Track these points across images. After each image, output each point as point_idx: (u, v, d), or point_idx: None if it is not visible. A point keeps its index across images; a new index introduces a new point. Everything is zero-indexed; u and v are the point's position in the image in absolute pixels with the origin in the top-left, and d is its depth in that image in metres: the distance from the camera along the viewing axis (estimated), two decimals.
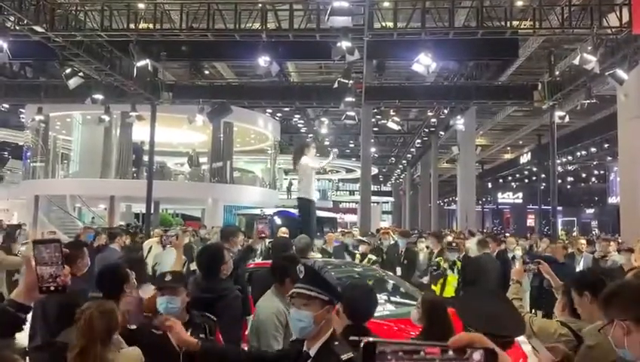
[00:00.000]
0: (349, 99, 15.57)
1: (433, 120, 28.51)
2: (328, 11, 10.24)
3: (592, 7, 12.47)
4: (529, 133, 32.58)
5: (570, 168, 39.90)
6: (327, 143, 36.83)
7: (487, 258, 8.41)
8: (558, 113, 16.17)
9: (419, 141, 33.90)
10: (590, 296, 2.79)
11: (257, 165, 33.18)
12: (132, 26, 13.36)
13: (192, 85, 19.25)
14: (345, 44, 11.35)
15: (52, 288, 1.84)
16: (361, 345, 0.79)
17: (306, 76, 26.00)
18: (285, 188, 35.54)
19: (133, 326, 3.10)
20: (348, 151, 42.89)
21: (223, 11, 13.52)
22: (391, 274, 7.91)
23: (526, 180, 46.39)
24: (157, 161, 21.88)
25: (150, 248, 9.09)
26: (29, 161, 25.57)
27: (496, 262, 8.44)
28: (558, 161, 25.17)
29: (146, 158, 20.95)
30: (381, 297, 5.50)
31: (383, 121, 26.36)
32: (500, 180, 48.65)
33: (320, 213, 12.26)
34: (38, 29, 12.10)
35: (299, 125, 34.22)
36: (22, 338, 2.79)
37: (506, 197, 51.16)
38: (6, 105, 24.72)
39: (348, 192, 54.08)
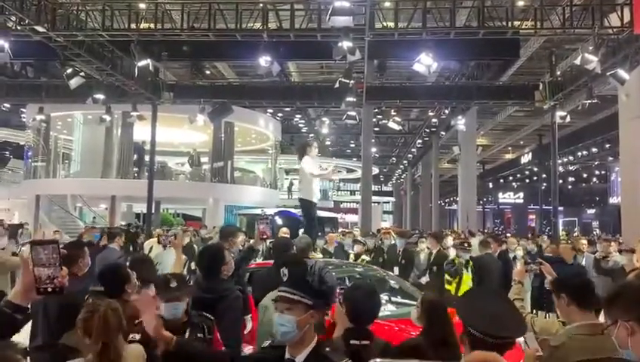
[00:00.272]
0: (350, 99, 15.57)
1: (434, 120, 28.51)
2: (329, 11, 10.23)
3: (594, 7, 12.46)
4: (530, 133, 32.57)
5: (571, 168, 39.88)
6: (328, 143, 36.88)
7: (490, 258, 8.40)
8: (560, 113, 16.15)
9: (420, 141, 33.90)
10: (567, 298, 2.77)
11: (258, 165, 33.19)
12: (133, 25, 13.37)
13: (193, 85, 19.25)
14: (346, 44, 11.34)
15: (49, 289, 1.83)
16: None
17: (307, 76, 26.00)
18: (286, 188, 35.54)
19: None
20: (349, 151, 42.90)
21: (224, 11, 13.52)
22: (392, 274, 7.92)
23: (527, 180, 46.36)
24: (158, 161, 21.89)
25: (151, 248, 9.08)
26: (30, 160, 25.61)
27: (499, 262, 8.43)
28: (559, 161, 25.15)
29: (147, 158, 20.96)
30: (382, 297, 5.51)
31: (383, 121, 26.34)
32: (501, 180, 48.63)
33: (321, 213, 12.24)
34: (40, 28, 12.11)
35: (300, 125, 34.23)
36: (23, 338, 2.80)
37: (507, 198, 51.13)
38: (7, 105, 24.74)
39: (349, 192, 54.08)
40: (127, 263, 4.34)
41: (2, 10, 11.37)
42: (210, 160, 25.50)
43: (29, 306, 1.90)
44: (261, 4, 13.39)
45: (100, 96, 15.68)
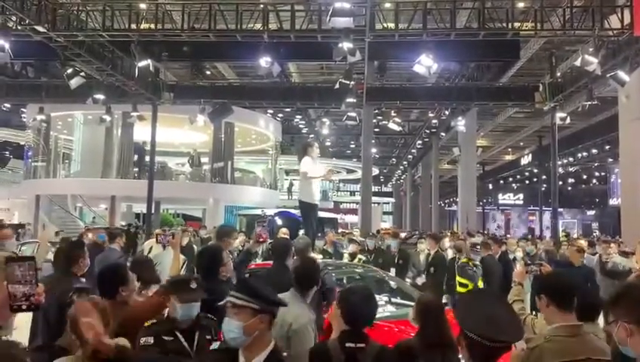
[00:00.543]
0: (350, 99, 15.57)
1: (434, 121, 28.52)
2: (330, 12, 10.24)
3: (594, 9, 12.47)
4: (530, 134, 32.58)
5: (571, 170, 39.87)
6: (328, 144, 36.88)
7: (491, 260, 8.41)
8: (559, 114, 16.16)
9: (420, 142, 33.91)
10: (547, 299, 2.75)
11: (258, 165, 33.19)
12: (134, 26, 13.38)
13: (194, 85, 19.25)
14: (346, 45, 11.34)
15: (24, 307, 1.77)
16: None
17: (307, 77, 26.02)
18: (286, 188, 35.54)
19: None
20: (349, 151, 42.92)
21: (224, 12, 13.52)
22: (392, 275, 7.93)
23: (527, 182, 46.34)
24: (158, 161, 21.89)
25: (150, 248, 9.06)
26: (31, 160, 25.61)
27: (499, 264, 8.43)
28: (559, 163, 25.13)
29: (147, 158, 20.97)
30: (381, 298, 5.51)
31: (384, 122, 26.39)
32: (501, 181, 48.61)
33: (321, 214, 12.23)
34: (40, 28, 12.11)
35: (300, 126, 34.24)
36: (23, 337, 2.80)
37: (506, 199, 51.10)
38: (7, 105, 24.77)
39: (349, 193, 54.07)
40: (128, 264, 4.34)
41: (3, 10, 11.38)
42: (210, 160, 25.51)
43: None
44: (262, 5, 13.39)
45: (101, 97, 15.68)
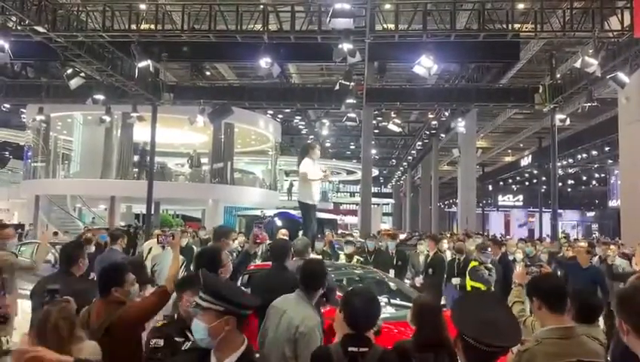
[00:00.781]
0: (350, 100, 15.57)
1: (434, 122, 28.52)
2: (330, 13, 10.24)
3: (594, 11, 12.49)
4: (530, 135, 32.58)
5: (570, 171, 39.87)
6: (328, 145, 36.88)
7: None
8: (559, 116, 16.17)
9: (419, 143, 33.91)
10: (538, 302, 2.75)
11: (258, 166, 33.17)
12: (133, 26, 13.38)
13: (193, 86, 19.26)
14: (346, 46, 11.35)
15: None
16: None
17: (307, 78, 26.01)
18: (286, 189, 35.53)
19: None
20: (349, 152, 42.91)
21: (224, 12, 13.53)
22: (391, 276, 7.92)
23: (527, 183, 46.34)
24: (157, 162, 21.88)
25: (150, 249, 9.05)
26: (30, 161, 25.59)
27: (498, 265, 8.41)
28: (559, 164, 25.13)
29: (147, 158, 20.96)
30: (381, 299, 5.50)
31: (383, 123, 26.36)
32: (501, 183, 48.60)
33: (320, 215, 12.26)
34: (40, 29, 12.11)
35: (300, 127, 34.23)
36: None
37: (506, 200, 51.10)
38: (7, 105, 24.73)
39: (348, 194, 54.05)
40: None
41: (3, 11, 11.39)
42: (209, 161, 25.49)
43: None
44: (262, 6, 13.40)
45: (100, 97, 15.68)
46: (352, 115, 16.67)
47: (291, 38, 13.34)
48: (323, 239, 10.55)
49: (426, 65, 12.13)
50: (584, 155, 29.51)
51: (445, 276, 8.91)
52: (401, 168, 45.06)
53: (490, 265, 7.71)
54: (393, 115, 23.86)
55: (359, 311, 2.74)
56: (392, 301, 5.94)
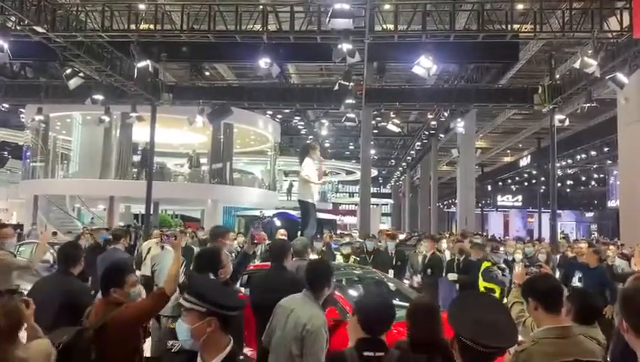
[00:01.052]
0: (349, 101, 15.57)
1: (433, 122, 28.52)
2: (329, 13, 10.24)
3: (593, 11, 12.49)
4: (529, 136, 32.59)
5: (569, 171, 39.89)
6: (327, 145, 36.88)
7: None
8: (558, 116, 16.17)
9: (419, 143, 33.91)
10: (534, 302, 2.74)
11: (257, 166, 33.17)
12: (133, 26, 13.37)
13: (193, 86, 19.24)
14: (346, 47, 11.35)
15: None
16: None
17: (306, 78, 26.01)
18: (285, 189, 35.53)
19: None
20: (348, 153, 42.90)
21: (223, 12, 13.52)
22: (390, 276, 7.92)
23: (526, 183, 46.36)
24: (157, 162, 21.86)
25: (149, 249, 9.05)
26: (29, 160, 25.56)
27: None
28: (558, 165, 25.15)
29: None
30: None
31: (383, 123, 26.39)
32: (500, 183, 48.63)
33: (319, 215, 12.24)
34: (39, 29, 12.10)
35: (299, 127, 34.23)
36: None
37: (505, 200, 51.14)
38: (6, 105, 24.71)
39: (347, 194, 54.05)
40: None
41: (2, 11, 11.37)
42: (209, 161, 25.48)
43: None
44: (261, 6, 13.39)
45: (99, 97, 15.68)
46: (352, 115, 16.67)
47: (291, 38, 13.33)
48: (322, 239, 10.57)
49: (425, 66, 12.13)
50: (583, 156, 29.53)
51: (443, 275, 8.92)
52: (400, 168, 45.06)
53: (503, 265, 7.66)
54: (392, 116, 23.90)
55: (374, 315, 2.71)
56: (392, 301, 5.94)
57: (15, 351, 2.50)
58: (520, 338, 2.56)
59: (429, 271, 9.03)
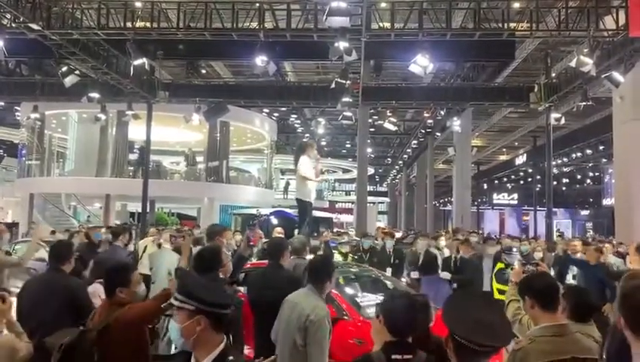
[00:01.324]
0: (346, 99, 15.57)
1: (430, 121, 28.55)
2: (326, 11, 10.24)
3: (589, 10, 12.53)
4: (525, 134, 32.66)
5: (565, 170, 40.00)
6: (323, 143, 36.86)
7: (477, 260, 8.43)
8: (554, 115, 16.22)
9: (415, 142, 33.96)
10: (530, 300, 2.74)
11: (254, 165, 33.13)
12: (129, 24, 13.34)
13: (189, 84, 19.19)
14: (342, 45, 11.35)
15: None
16: None
17: (303, 76, 25.98)
18: (281, 188, 35.52)
19: None
20: (344, 151, 42.91)
21: (220, 10, 13.51)
22: (387, 274, 7.94)
23: (521, 182, 46.47)
24: (153, 160, 21.81)
25: (145, 248, 9.03)
26: (25, 158, 25.46)
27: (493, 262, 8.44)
28: (554, 163, 25.21)
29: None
30: (377, 298, 5.51)
31: (379, 122, 26.36)
32: (496, 181, 48.74)
33: (316, 213, 12.26)
34: (35, 26, 12.05)
35: (295, 125, 34.19)
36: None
37: (501, 199, 51.25)
38: (1, 103, 24.57)
39: (344, 192, 54.08)
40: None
41: None
42: (205, 159, 25.43)
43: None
44: (257, 4, 13.39)
45: (95, 95, 15.63)
46: (348, 114, 16.67)
47: (287, 36, 13.33)
48: (319, 238, 10.58)
49: (421, 64, 12.14)
50: (579, 154, 29.61)
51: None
52: (397, 167, 45.11)
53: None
54: (389, 114, 23.84)
55: (401, 317, 2.67)
56: None
57: None
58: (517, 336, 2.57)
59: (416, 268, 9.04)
